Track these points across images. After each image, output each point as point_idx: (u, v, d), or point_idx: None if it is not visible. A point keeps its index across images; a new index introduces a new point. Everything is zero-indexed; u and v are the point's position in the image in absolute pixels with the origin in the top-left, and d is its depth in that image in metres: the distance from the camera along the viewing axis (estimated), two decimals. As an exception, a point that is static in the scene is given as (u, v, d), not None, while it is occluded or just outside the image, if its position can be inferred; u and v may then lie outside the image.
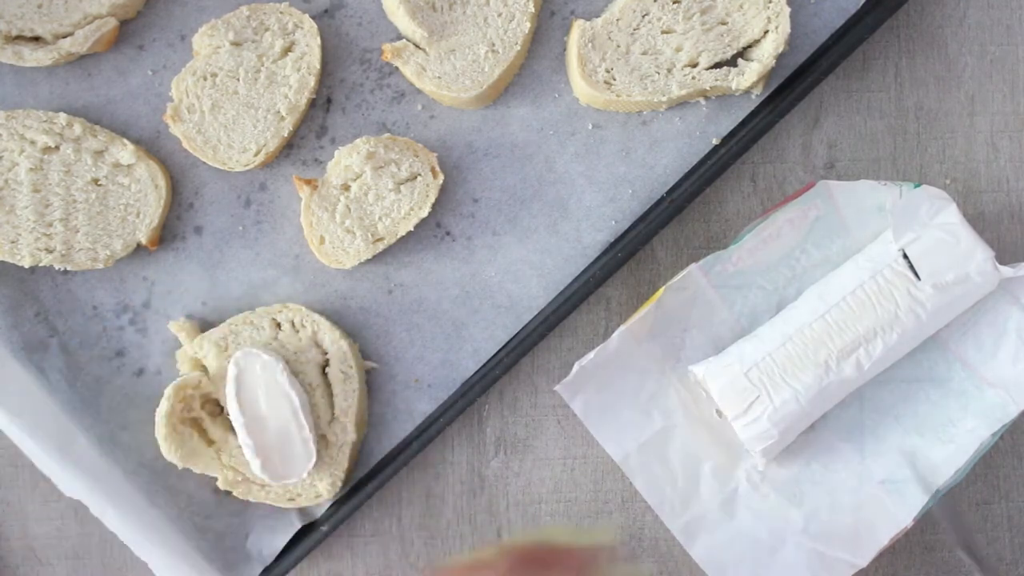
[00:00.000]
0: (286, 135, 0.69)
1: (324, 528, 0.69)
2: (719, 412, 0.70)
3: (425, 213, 0.68)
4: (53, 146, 0.68)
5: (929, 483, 0.67)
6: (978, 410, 0.68)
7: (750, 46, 0.70)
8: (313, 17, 0.70)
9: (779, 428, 0.66)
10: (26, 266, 0.68)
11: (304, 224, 0.69)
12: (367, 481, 0.69)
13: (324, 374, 0.69)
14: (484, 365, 0.70)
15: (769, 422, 0.66)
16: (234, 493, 0.68)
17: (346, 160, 0.68)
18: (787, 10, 0.68)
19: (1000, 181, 0.73)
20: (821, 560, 0.68)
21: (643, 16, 0.69)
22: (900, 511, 0.67)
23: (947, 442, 0.68)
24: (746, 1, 0.68)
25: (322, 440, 0.68)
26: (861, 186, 0.68)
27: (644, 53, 0.69)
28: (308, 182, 0.68)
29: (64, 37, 0.68)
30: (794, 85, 0.70)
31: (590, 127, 0.71)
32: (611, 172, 0.71)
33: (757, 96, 0.71)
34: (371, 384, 0.71)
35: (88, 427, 0.69)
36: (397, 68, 0.70)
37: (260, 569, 0.70)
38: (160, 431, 0.67)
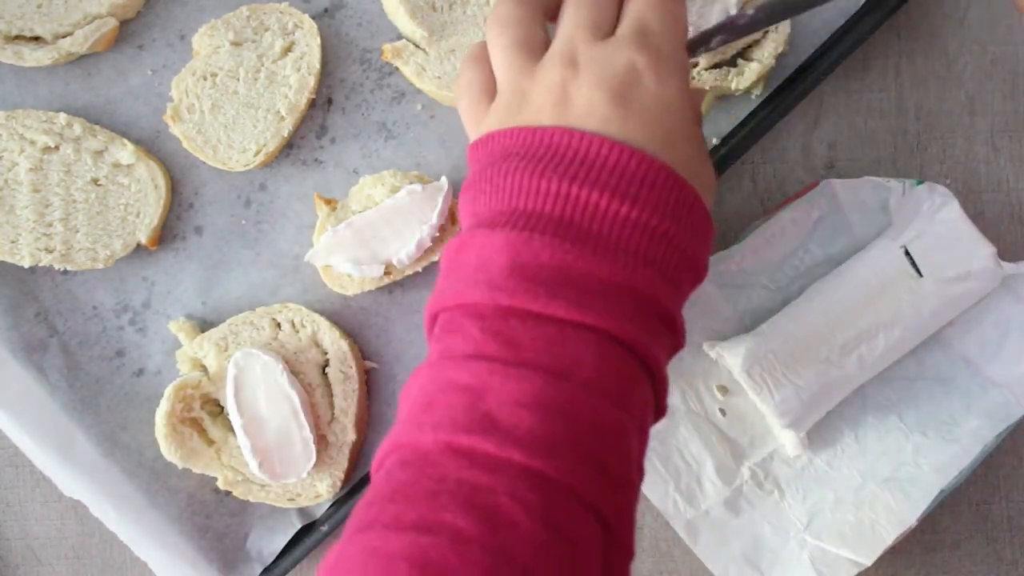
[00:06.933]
0: (286, 135, 0.69)
1: (324, 528, 0.69)
2: (722, 411, 0.70)
3: (436, 258, 0.68)
4: (53, 146, 0.68)
5: (932, 483, 0.67)
6: (982, 409, 0.68)
7: (750, 46, 0.69)
8: (313, 17, 0.70)
9: (782, 421, 0.66)
10: (26, 266, 0.68)
11: (315, 241, 0.68)
12: (367, 481, 0.69)
13: (324, 374, 0.69)
14: (484, 365, 0.70)
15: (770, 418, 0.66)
16: (234, 493, 0.68)
17: (370, 189, 0.68)
18: (787, 10, 0.68)
19: (1000, 181, 0.73)
20: (825, 558, 0.67)
21: (643, 16, 0.69)
22: (905, 510, 0.67)
23: (951, 442, 0.68)
24: (746, 2, 0.68)
25: (322, 440, 0.68)
26: (864, 184, 0.67)
27: (644, 53, 0.69)
28: (328, 202, 0.68)
29: (64, 37, 0.68)
30: (794, 85, 0.70)
31: (590, 127, 0.71)
32: (611, 172, 0.70)
33: (757, 96, 0.71)
34: (371, 384, 0.71)
35: (88, 427, 0.69)
36: (397, 68, 0.70)
37: (260, 569, 0.70)
38: (160, 431, 0.67)
